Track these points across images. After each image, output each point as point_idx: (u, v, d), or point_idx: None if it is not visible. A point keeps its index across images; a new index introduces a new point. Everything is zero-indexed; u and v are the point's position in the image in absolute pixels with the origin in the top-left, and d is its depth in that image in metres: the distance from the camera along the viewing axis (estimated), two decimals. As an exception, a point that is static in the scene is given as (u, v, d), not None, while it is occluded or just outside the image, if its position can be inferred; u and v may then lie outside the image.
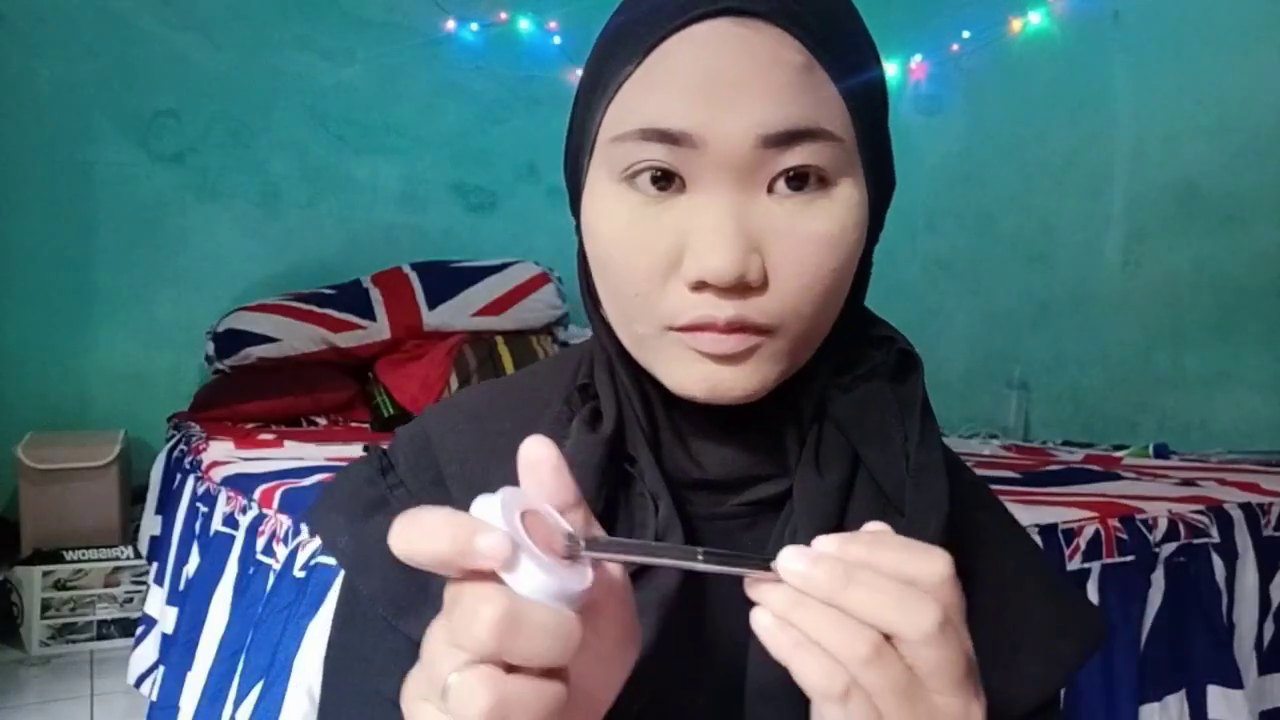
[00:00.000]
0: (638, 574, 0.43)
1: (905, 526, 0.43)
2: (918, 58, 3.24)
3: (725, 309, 0.40)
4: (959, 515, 0.46)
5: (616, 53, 0.42)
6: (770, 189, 0.41)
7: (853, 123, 0.41)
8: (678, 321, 0.41)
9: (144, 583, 2.21)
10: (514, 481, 0.43)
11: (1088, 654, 0.49)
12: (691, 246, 0.40)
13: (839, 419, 0.46)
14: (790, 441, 0.47)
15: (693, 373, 0.42)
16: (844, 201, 0.41)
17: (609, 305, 0.45)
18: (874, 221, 0.45)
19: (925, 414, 0.46)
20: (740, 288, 0.40)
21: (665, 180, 0.41)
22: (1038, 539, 1.16)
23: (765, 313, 0.41)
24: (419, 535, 0.29)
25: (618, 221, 0.42)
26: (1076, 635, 0.49)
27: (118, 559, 2.29)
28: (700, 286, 0.40)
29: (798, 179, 0.40)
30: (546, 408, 0.50)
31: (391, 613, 0.46)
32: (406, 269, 2.67)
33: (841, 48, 0.41)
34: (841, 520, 0.44)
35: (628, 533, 0.45)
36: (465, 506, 0.44)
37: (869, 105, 0.42)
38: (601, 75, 0.43)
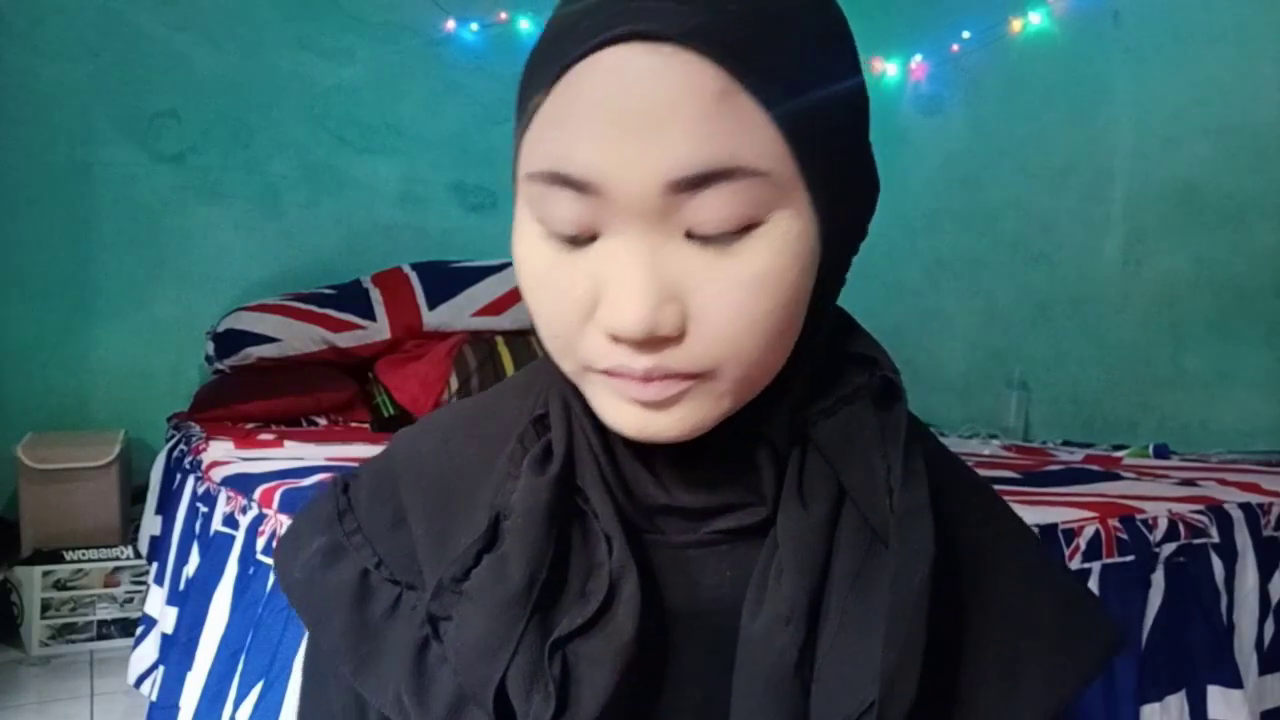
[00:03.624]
0: (593, 620, 0.41)
1: (889, 568, 0.41)
2: (918, 58, 3.23)
3: (641, 360, 0.38)
4: (961, 535, 0.45)
5: (531, 79, 0.39)
6: (688, 233, 0.37)
7: (791, 149, 0.37)
8: (597, 366, 0.39)
9: (144, 583, 2.21)
10: (473, 511, 0.45)
11: (1098, 667, 0.47)
12: (604, 296, 0.38)
13: (822, 444, 0.43)
14: (765, 467, 0.44)
15: (622, 413, 0.40)
16: (778, 238, 0.37)
17: (542, 339, 0.43)
18: (837, 245, 0.41)
19: (910, 447, 0.42)
20: (655, 341, 0.37)
21: (577, 228, 0.38)
22: (1038, 539, 1.16)
23: (688, 361, 0.38)
24: None
25: (537, 264, 0.40)
26: (1086, 649, 0.47)
27: (118, 559, 2.29)
28: (615, 338, 0.38)
29: (716, 224, 0.37)
30: (510, 432, 0.47)
31: (350, 668, 0.46)
32: (406, 269, 2.67)
33: (776, 63, 0.36)
34: (829, 556, 0.42)
35: (583, 574, 0.43)
36: (427, 546, 0.46)
37: (813, 123, 0.37)
38: (521, 101, 0.40)
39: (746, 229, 0.37)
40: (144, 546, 2.17)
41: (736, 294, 0.37)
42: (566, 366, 0.42)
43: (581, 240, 0.38)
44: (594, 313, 0.38)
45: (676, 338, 0.38)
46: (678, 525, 0.45)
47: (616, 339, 0.38)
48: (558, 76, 0.37)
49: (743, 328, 0.38)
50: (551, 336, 0.41)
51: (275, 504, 1.21)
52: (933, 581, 0.40)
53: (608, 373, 0.39)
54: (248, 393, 2.39)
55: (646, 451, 0.44)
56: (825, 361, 0.44)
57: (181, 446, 2.03)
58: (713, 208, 0.36)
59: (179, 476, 1.88)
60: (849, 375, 0.44)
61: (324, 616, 0.47)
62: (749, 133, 0.36)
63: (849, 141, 0.40)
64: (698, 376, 0.38)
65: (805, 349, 0.42)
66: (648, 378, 0.38)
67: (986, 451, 2.16)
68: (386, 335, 2.54)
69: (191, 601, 1.41)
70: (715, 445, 0.43)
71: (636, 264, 0.37)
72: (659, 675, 0.44)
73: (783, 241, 0.37)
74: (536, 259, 0.40)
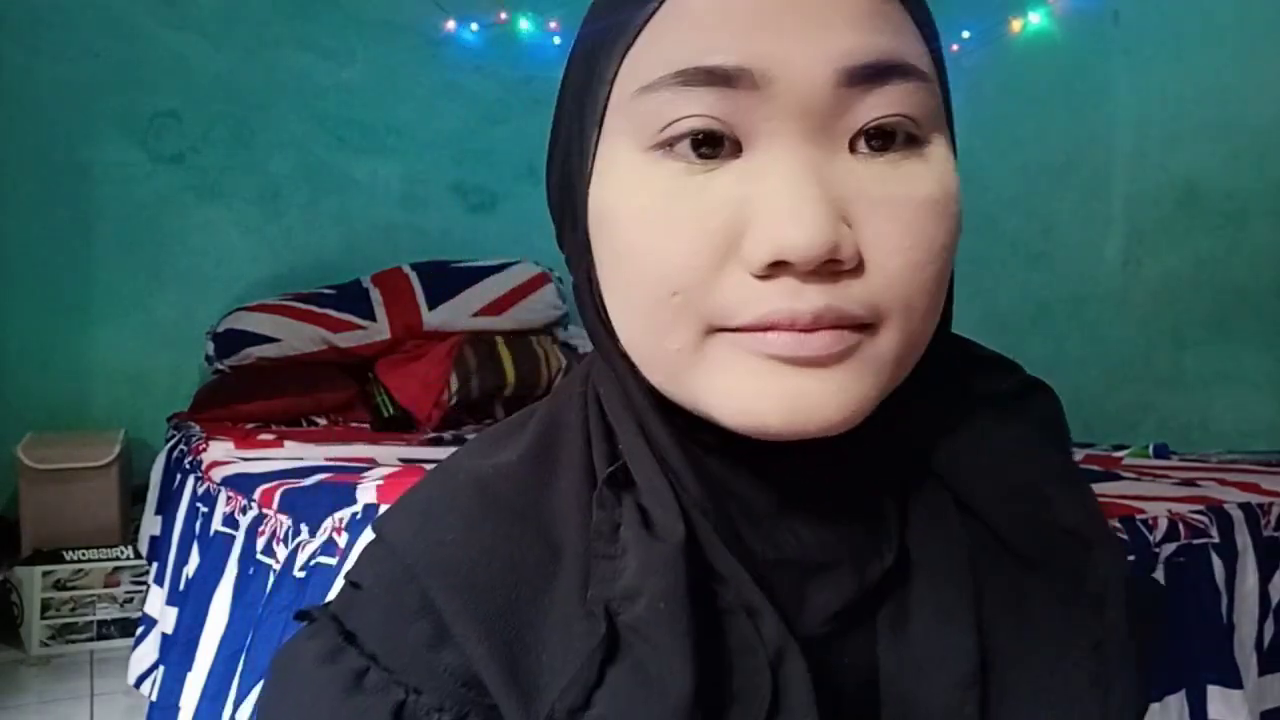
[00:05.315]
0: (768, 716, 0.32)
1: (1054, 592, 0.35)
2: (918, 58, 3.24)
3: (811, 297, 0.30)
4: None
5: None
6: (852, 146, 0.32)
7: (938, 73, 0.33)
8: (737, 319, 0.31)
9: (144, 583, 2.21)
10: (550, 610, 0.33)
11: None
12: (758, 219, 0.30)
13: (942, 466, 0.37)
14: (888, 501, 0.37)
15: (764, 388, 0.31)
16: (940, 162, 0.33)
17: (633, 323, 0.34)
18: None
19: (1067, 458, 0.36)
20: (829, 269, 0.30)
21: (713, 143, 0.31)
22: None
23: (862, 301, 0.31)
24: None
25: (649, 200, 0.31)
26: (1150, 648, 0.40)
27: (118, 559, 2.29)
28: (774, 270, 0.30)
29: (886, 133, 0.32)
30: (569, 496, 0.36)
31: None
32: (406, 269, 2.67)
33: None
34: (978, 586, 0.35)
35: (728, 670, 0.32)
36: (497, 672, 0.31)
37: (941, 58, 0.34)
38: (611, 24, 0.33)
39: (915, 145, 0.32)
40: (144, 546, 2.17)
41: (912, 220, 0.31)
42: (674, 343, 0.32)
43: (718, 159, 0.31)
44: (735, 252, 0.31)
45: (850, 270, 0.31)
46: (784, 598, 0.35)
47: (779, 269, 0.30)
48: None
49: (918, 261, 0.32)
50: (669, 294, 0.31)
51: (275, 504, 1.21)
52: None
53: (754, 328, 0.31)
54: (248, 393, 2.39)
55: (748, 499, 0.36)
56: (940, 367, 0.37)
57: (181, 446, 2.03)
58: (885, 108, 0.31)
59: (179, 476, 1.88)
60: (974, 383, 0.38)
61: None
62: (910, 39, 0.32)
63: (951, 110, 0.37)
64: (867, 328, 0.32)
65: (934, 344, 0.35)
66: (815, 324, 0.30)
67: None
68: (386, 335, 2.54)
69: (191, 601, 1.41)
70: (832, 476, 0.35)
71: (803, 172, 0.30)
72: None
73: (944, 168, 0.33)
74: (651, 194, 0.32)
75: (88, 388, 2.60)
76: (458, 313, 2.60)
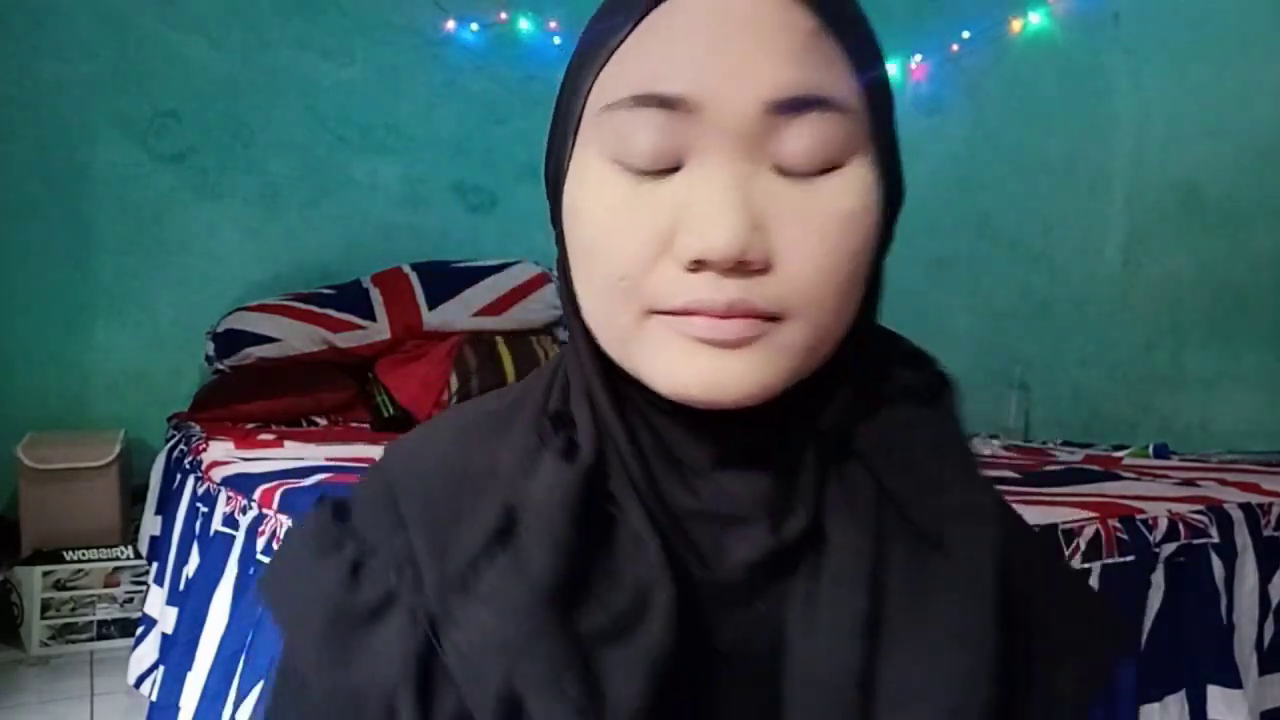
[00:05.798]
0: (624, 627, 0.38)
1: (949, 567, 0.40)
2: (918, 58, 3.23)
3: (725, 290, 0.36)
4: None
5: (609, 20, 0.39)
6: (777, 165, 0.37)
7: (865, 100, 0.38)
8: (668, 304, 0.37)
9: (144, 583, 2.21)
10: (481, 511, 0.42)
11: (1114, 665, 0.47)
12: (688, 222, 0.36)
13: (862, 448, 0.42)
14: (808, 470, 0.41)
15: (687, 364, 0.37)
16: (856, 181, 0.38)
17: (590, 300, 0.41)
18: (888, 222, 0.41)
19: (966, 448, 0.42)
20: (741, 268, 0.36)
21: (661, 155, 0.37)
22: (1038, 539, 1.16)
23: (770, 298, 0.37)
24: None
25: (610, 202, 0.38)
26: (1103, 648, 0.46)
27: (118, 559, 2.29)
28: (697, 266, 0.36)
29: (805, 155, 0.37)
30: (523, 435, 0.43)
31: (333, 660, 0.41)
32: (406, 269, 2.67)
33: (854, 19, 0.39)
34: (880, 564, 0.40)
35: (607, 582, 0.39)
36: (427, 551, 0.42)
37: (879, 90, 0.39)
38: (591, 46, 0.39)
39: (829, 169, 0.38)
40: (144, 546, 2.17)
41: (821, 230, 0.37)
42: (623, 318, 0.39)
43: (662, 171, 0.38)
44: (671, 246, 0.37)
45: (760, 270, 0.37)
46: (706, 545, 0.41)
47: (701, 266, 0.36)
48: (649, 9, 0.37)
49: (824, 266, 0.37)
50: (618, 279, 0.38)
51: (275, 504, 1.21)
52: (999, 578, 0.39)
53: (680, 312, 0.37)
54: (248, 393, 2.39)
55: (678, 453, 0.42)
56: (867, 358, 0.43)
57: (181, 446, 2.03)
58: (805, 136, 0.37)
59: (179, 476, 1.88)
60: (892, 375, 0.43)
61: (307, 608, 0.43)
62: (836, 73, 0.37)
63: (894, 126, 0.41)
64: (775, 319, 0.37)
65: (854, 340, 0.41)
66: (728, 312, 0.37)
67: (987, 451, 2.16)
68: (386, 335, 2.54)
69: (191, 601, 1.41)
70: (758, 442, 0.41)
71: (728, 186, 0.36)
72: (700, 693, 0.41)
73: (861, 186, 0.38)
74: (609, 197, 0.38)
75: (88, 388, 2.60)
76: (457, 313, 2.60)
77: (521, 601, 0.38)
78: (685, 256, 0.37)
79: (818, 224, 0.37)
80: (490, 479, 0.43)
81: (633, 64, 0.38)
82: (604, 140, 0.38)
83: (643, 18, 0.37)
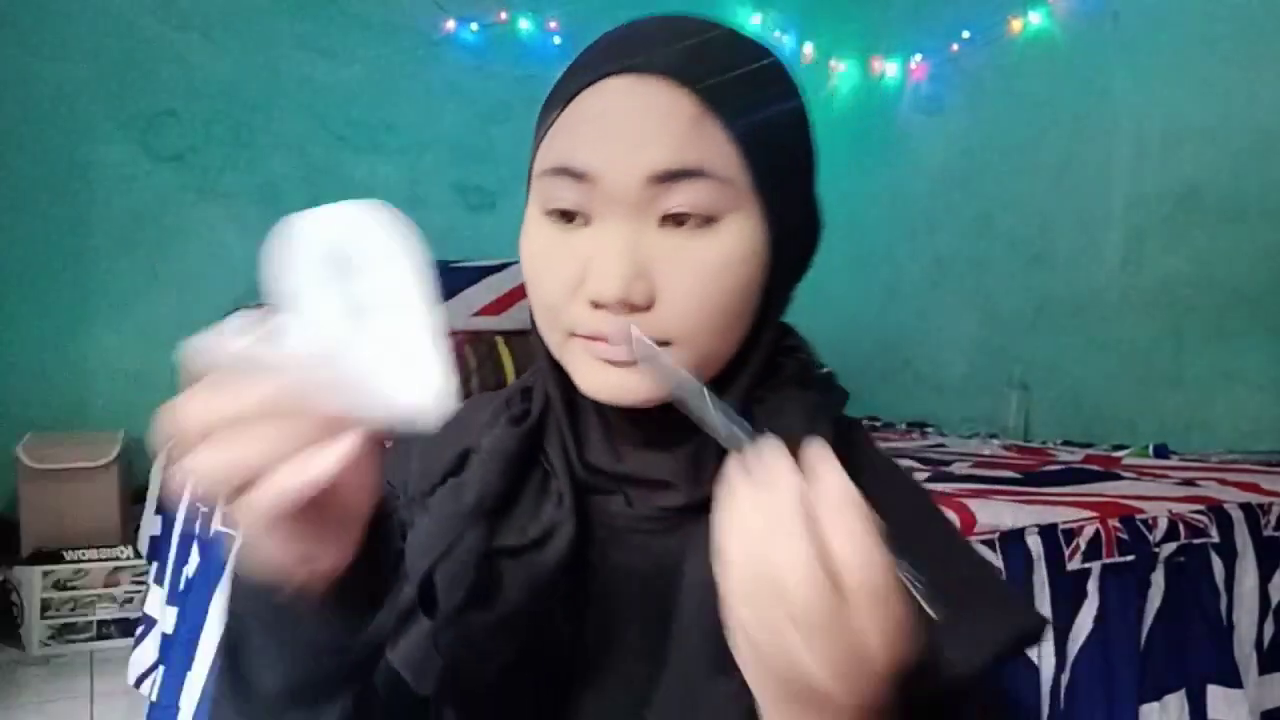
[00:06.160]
0: (525, 548, 0.49)
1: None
2: (918, 58, 3.23)
3: (618, 323, 0.46)
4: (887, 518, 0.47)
5: (549, 102, 0.50)
6: (661, 222, 0.46)
7: (746, 164, 0.46)
8: (581, 331, 0.48)
9: (144, 583, 2.21)
10: (454, 451, 0.55)
11: (1012, 646, 0.48)
12: (589, 271, 0.46)
13: (759, 428, 0.48)
14: (711, 448, 0.49)
15: (596, 376, 0.48)
16: (733, 233, 0.47)
17: (535, 315, 0.52)
18: (785, 258, 0.49)
19: (819, 416, 0.49)
20: (628, 308, 0.46)
21: (571, 217, 0.47)
22: (1038, 539, 1.16)
23: (654, 329, 0.46)
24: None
25: (540, 246, 0.49)
26: (1002, 626, 0.48)
27: (118, 559, 2.29)
28: (598, 304, 0.46)
29: (682, 214, 0.46)
30: (496, 406, 0.56)
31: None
32: (406, 269, 2.67)
33: (738, 97, 0.46)
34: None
35: (527, 517, 0.51)
36: (415, 475, 0.58)
37: (766, 149, 0.47)
38: (541, 120, 0.50)
39: (708, 223, 0.46)
40: (144, 546, 2.17)
41: (697, 274, 0.46)
42: (554, 338, 0.50)
43: (577, 225, 0.48)
44: (581, 286, 0.47)
45: (646, 307, 0.46)
46: (624, 500, 0.52)
47: (597, 305, 0.46)
48: (571, 98, 0.47)
49: (699, 303, 0.47)
50: (545, 308, 0.49)
51: (275, 504, 1.21)
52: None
53: (589, 337, 0.47)
54: (248, 393, 2.39)
55: (610, 427, 0.53)
56: (768, 362, 0.52)
57: (181, 446, 2.03)
58: (683, 198, 0.46)
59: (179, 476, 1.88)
60: (782, 368, 0.53)
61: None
62: (714, 148, 0.46)
63: (795, 169, 0.50)
64: (664, 344, 0.46)
65: (752, 347, 0.51)
66: (620, 339, 0.46)
67: (986, 451, 2.16)
68: (386, 335, 2.54)
69: (191, 601, 1.41)
70: (671, 427, 0.48)
71: (617, 243, 0.46)
72: (590, 618, 0.51)
73: (737, 237, 0.47)
74: (540, 241, 0.49)
75: (88, 388, 2.60)
76: (457, 312, 2.60)
77: (450, 518, 0.50)
78: (586, 298, 0.47)
79: (694, 268, 0.46)
80: (466, 433, 0.55)
81: (559, 139, 0.48)
82: (538, 196, 0.49)
83: (568, 103, 0.48)
